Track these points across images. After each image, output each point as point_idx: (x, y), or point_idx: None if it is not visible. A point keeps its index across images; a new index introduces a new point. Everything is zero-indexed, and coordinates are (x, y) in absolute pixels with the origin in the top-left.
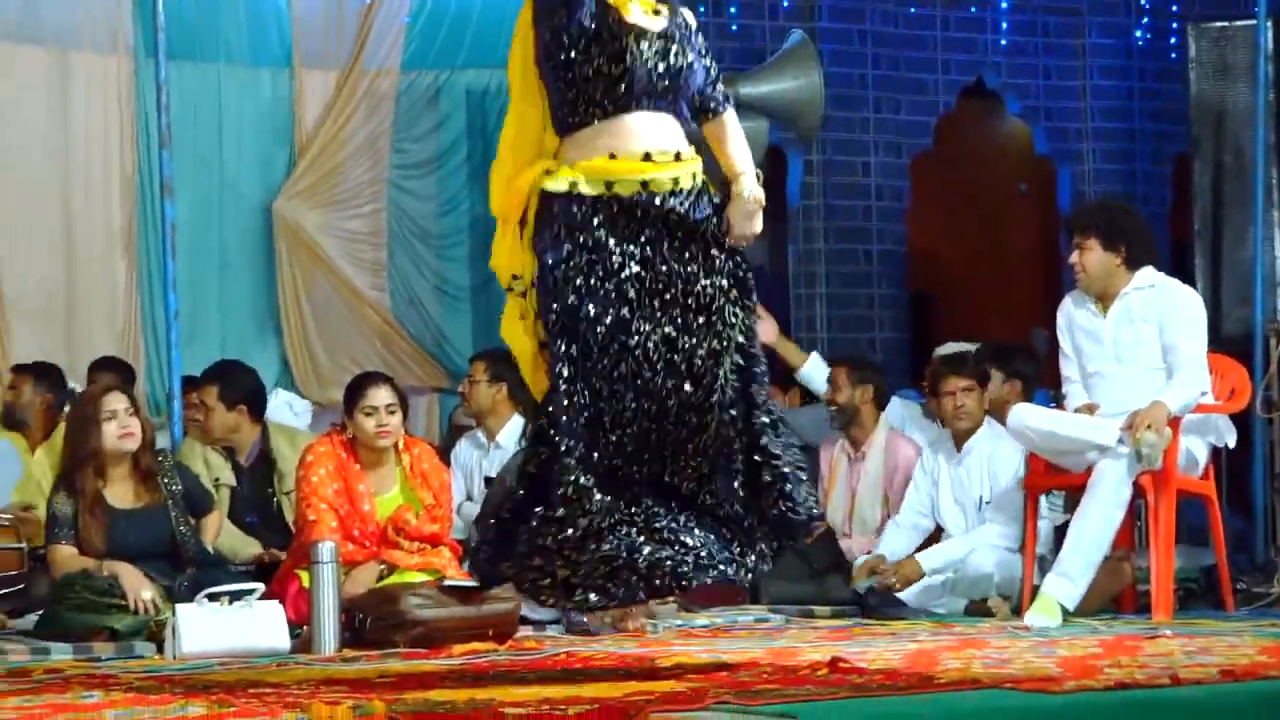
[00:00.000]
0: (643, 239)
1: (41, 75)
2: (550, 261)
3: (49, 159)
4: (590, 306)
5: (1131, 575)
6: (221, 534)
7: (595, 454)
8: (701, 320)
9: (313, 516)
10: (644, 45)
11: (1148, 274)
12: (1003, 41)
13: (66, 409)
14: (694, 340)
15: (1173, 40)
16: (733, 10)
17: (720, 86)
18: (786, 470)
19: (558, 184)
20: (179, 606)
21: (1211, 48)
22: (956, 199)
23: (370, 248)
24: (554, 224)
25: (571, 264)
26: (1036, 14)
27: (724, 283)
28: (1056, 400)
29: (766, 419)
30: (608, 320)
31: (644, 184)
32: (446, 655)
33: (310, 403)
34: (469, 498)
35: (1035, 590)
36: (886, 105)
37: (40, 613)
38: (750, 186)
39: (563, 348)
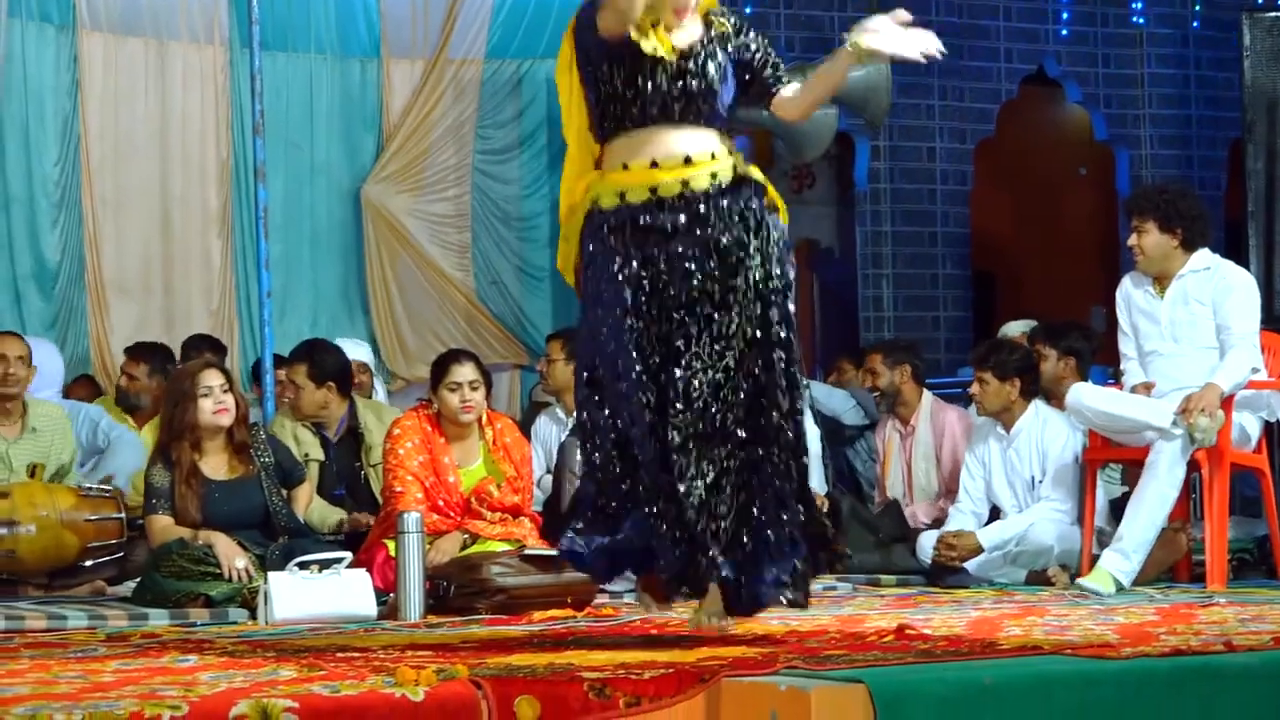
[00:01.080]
0: (649, 244)
1: (142, 65)
2: (580, 271)
3: (149, 144)
4: (599, 310)
5: (1187, 546)
6: (311, 506)
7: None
8: (704, 318)
9: (399, 488)
10: (658, 68)
11: (1203, 256)
12: (1063, 31)
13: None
14: (693, 342)
15: (1228, 29)
16: (803, 2)
17: (774, 71)
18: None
19: (586, 204)
20: (271, 574)
21: (1265, 36)
22: (1018, 183)
23: (455, 230)
24: (583, 237)
25: (589, 271)
26: (1096, 4)
27: (741, 283)
28: (1114, 377)
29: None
30: (609, 321)
31: (652, 189)
32: (527, 621)
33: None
34: (548, 471)
35: (1094, 560)
36: (951, 93)
37: (138, 580)
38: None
39: (582, 373)
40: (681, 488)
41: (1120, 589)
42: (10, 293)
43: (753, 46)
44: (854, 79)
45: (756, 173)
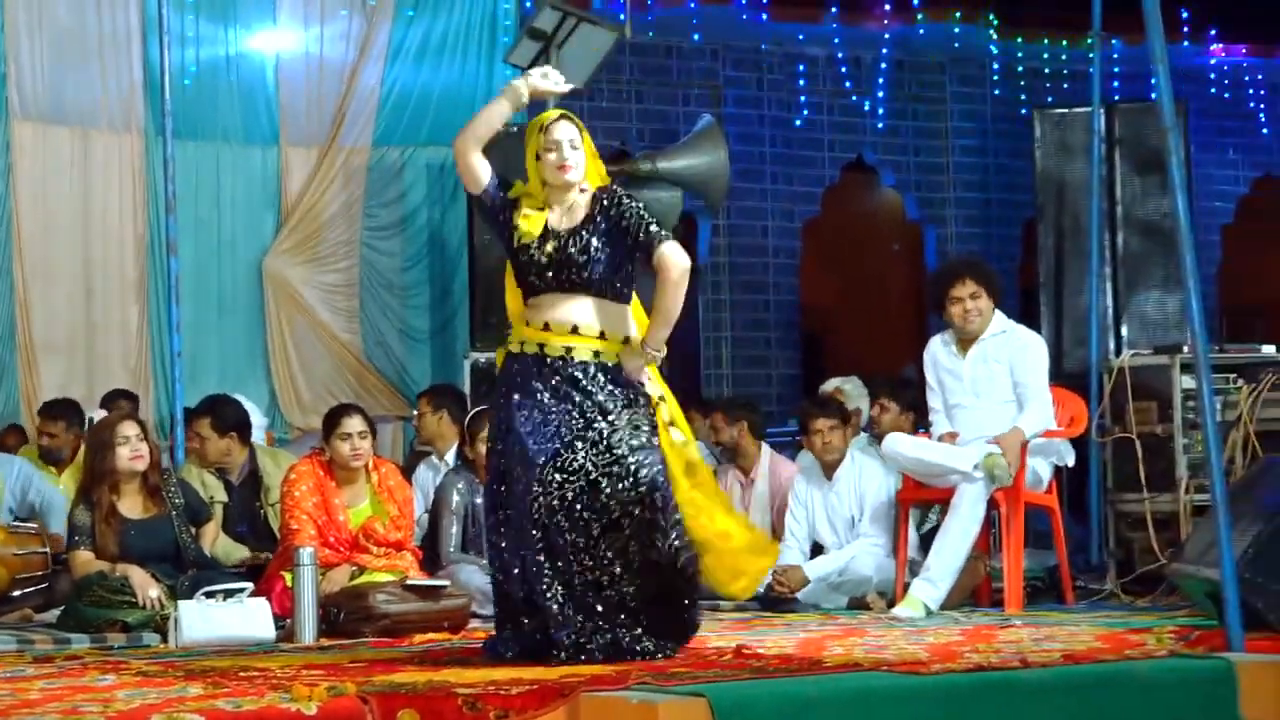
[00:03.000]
0: (546, 386)
1: (68, 151)
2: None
3: (73, 221)
4: (508, 434)
5: (985, 572)
6: (217, 542)
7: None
8: (585, 442)
9: (295, 526)
10: (546, 245)
11: (999, 319)
12: (879, 125)
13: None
14: (580, 458)
15: (1022, 124)
16: (651, 98)
17: (653, 229)
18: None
19: (512, 346)
20: (181, 603)
21: (1054, 130)
22: (840, 256)
23: (345, 298)
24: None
25: (500, 405)
26: (907, 102)
27: (608, 422)
28: (924, 427)
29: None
30: (514, 444)
31: (540, 345)
32: (408, 644)
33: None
34: (427, 510)
35: (907, 587)
36: (781, 178)
37: (62, 608)
38: (649, 343)
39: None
40: (541, 586)
41: (929, 613)
42: None
43: (627, 215)
44: (697, 165)
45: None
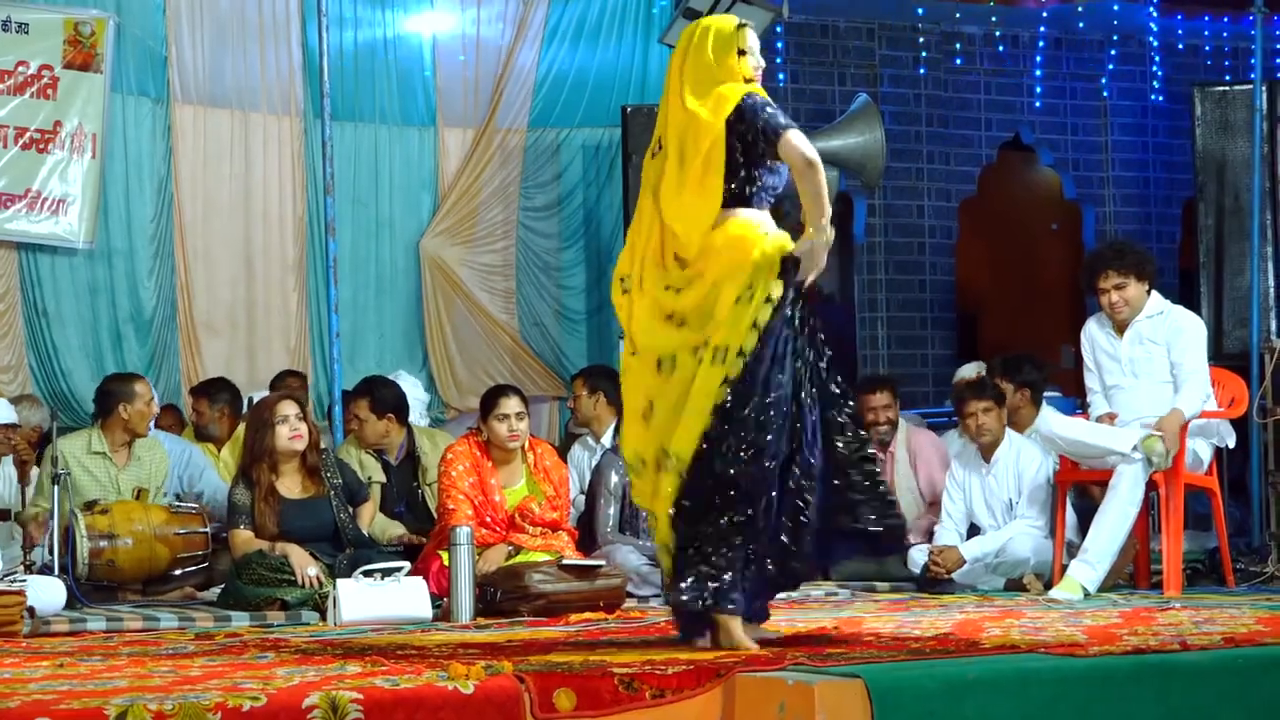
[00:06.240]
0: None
1: (228, 134)
2: (793, 314)
3: (233, 202)
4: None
5: (1136, 549)
6: (374, 521)
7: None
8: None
9: (452, 506)
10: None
11: (1156, 301)
12: (1037, 103)
13: (245, 413)
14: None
15: (1182, 102)
16: (808, 77)
17: None
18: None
19: (781, 244)
20: (339, 581)
21: (1215, 108)
22: (997, 236)
23: (501, 278)
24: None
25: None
26: (1065, 80)
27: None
28: (1082, 408)
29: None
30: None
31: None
32: (564, 623)
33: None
34: (582, 491)
35: (1064, 569)
36: (938, 157)
37: (222, 586)
38: None
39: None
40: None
41: (1087, 595)
42: (112, 334)
43: None
44: (853, 145)
45: None
